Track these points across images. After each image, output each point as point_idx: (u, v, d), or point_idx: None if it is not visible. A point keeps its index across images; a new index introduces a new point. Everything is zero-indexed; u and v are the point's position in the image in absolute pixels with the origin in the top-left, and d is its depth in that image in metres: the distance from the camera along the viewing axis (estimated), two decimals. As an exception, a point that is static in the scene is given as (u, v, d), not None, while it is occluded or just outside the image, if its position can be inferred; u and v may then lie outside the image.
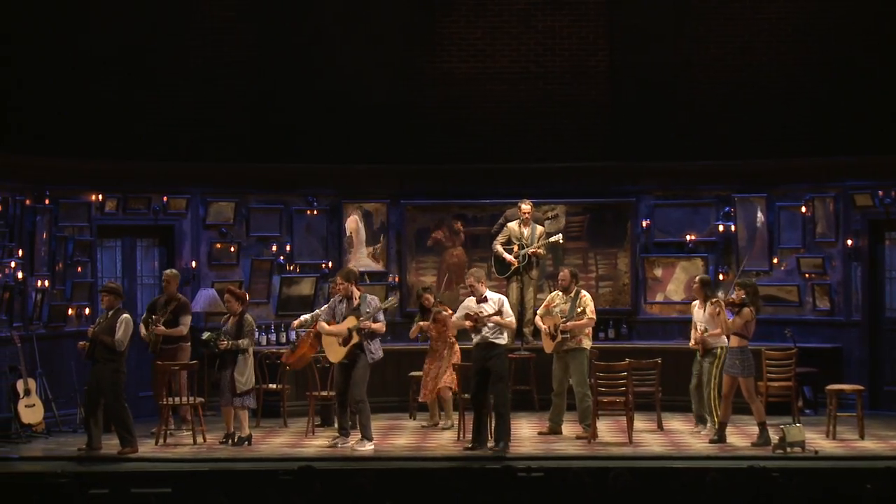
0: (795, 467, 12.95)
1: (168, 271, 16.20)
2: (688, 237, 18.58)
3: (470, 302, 14.58)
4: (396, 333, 17.47)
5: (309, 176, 18.77)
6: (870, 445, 14.60)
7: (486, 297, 14.51)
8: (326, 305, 15.38)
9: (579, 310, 15.34)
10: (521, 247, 17.60)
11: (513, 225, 17.78)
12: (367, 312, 14.63)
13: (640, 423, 15.60)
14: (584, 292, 15.66)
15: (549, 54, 19.38)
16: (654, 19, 19.17)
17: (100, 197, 17.39)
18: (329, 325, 14.79)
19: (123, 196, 17.60)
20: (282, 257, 18.52)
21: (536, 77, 19.40)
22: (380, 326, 14.79)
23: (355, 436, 14.75)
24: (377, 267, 18.62)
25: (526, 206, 17.63)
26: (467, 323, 14.43)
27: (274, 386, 16.64)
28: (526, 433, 15.66)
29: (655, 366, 15.24)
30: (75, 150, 17.30)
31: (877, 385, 17.41)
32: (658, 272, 18.54)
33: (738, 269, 17.15)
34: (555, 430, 15.52)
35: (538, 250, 17.60)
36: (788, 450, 13.85)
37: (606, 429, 15.66)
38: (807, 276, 17.98)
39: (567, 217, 18.65)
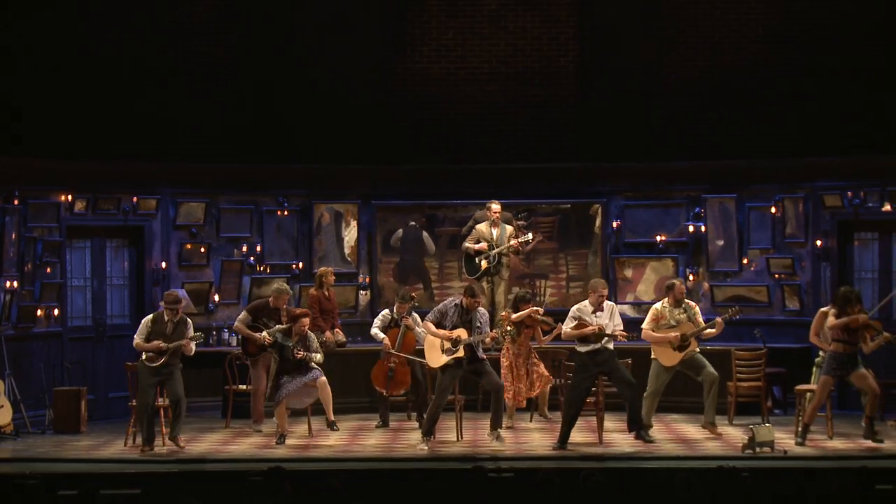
0: (764, 467, 13.01)
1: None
2: (658, 238, 18.63)
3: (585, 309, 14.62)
4: (368, 335, 17.33)
5: (279, 176, 18.73)
6: (838, 445, 14.64)
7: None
8: (436, 310, 14.87)
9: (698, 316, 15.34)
10: (491, 247, 17.58)
11: (482, 226, 17.74)
12: (479, 327, 14.31)
13: (610, 423, 15.64)
14: (689, 301, 15.63)
15: (520, 55, 19.41)
16: (624, 20, 19.21)
17: (69, 197, 17.31)
18: (436, 327, 14.46)
19: (93, 197, 17.52)
20: (252, 258, 18.49)
21: (507, 77, 19.42)
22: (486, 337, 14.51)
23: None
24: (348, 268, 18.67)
25: (495, 207, 17.60)
26: (588, 330, 14.46)
27: (244, 387, 16.58)
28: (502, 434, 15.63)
29: (626, 366, 15.24)
30: (44, 150, 17.20)
31: (845, 385, 17.42)
32: (628, 273, 18.56)
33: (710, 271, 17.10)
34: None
35: (508, 251, 17.58)
36: (758, 450, 13.89)
37: (577, 429, 15.62)
38: (776, 276, 18.04)
39: (536, 217, 18.70)
